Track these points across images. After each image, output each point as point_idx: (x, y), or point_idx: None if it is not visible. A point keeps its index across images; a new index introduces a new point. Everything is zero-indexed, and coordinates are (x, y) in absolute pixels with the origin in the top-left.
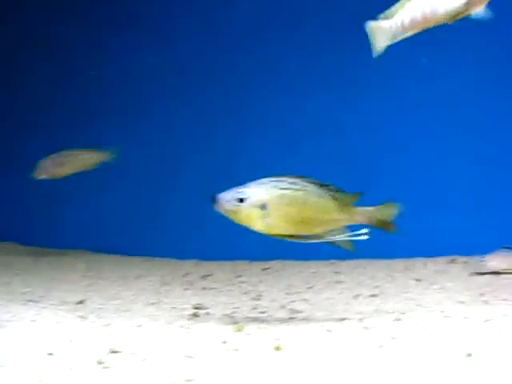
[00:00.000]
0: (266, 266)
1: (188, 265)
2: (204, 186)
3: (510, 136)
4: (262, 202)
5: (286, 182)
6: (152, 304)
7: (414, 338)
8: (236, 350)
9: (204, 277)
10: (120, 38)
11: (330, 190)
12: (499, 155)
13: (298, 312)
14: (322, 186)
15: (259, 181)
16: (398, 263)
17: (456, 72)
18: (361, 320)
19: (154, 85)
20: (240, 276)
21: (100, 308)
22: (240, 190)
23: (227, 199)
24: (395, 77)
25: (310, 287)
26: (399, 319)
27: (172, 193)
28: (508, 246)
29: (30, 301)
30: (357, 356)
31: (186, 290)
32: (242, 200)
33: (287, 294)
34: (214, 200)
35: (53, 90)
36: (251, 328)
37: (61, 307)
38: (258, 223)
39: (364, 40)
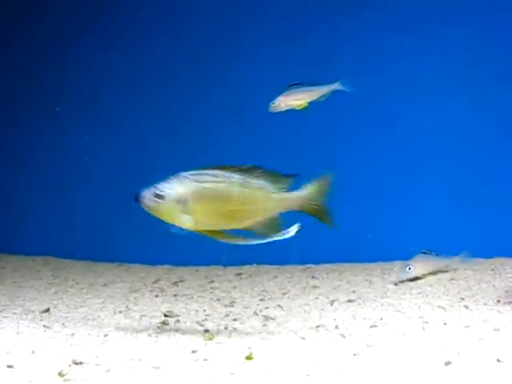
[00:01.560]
0: (240, 272)
1: (159, 271)
2: None
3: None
4: (181, 198)
5: (207, 175)
6: (120, 312)
7: (390, 346)
8: (206, 359)
9: (175, 283)
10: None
11: (257, 178)
12: (481, 156)
13: (272, 319)
14: (249, 173)
15: (180, 175)
16: (376, 267)
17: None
18: (336, 327)
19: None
20: (213, 282)
21: (66, 317)
22: (159, 186)
23: (147, 196)
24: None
25: (285, 293)
26: (376, 325)
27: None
28: (426, 250)
29: None
30: (330, 365)
31: (156, 296)
32: (161, 196)
33: (261, 300)
34: (136, 198)
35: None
36: (222, 336)
37: (24, 316)
38: (181, 219)
39: None
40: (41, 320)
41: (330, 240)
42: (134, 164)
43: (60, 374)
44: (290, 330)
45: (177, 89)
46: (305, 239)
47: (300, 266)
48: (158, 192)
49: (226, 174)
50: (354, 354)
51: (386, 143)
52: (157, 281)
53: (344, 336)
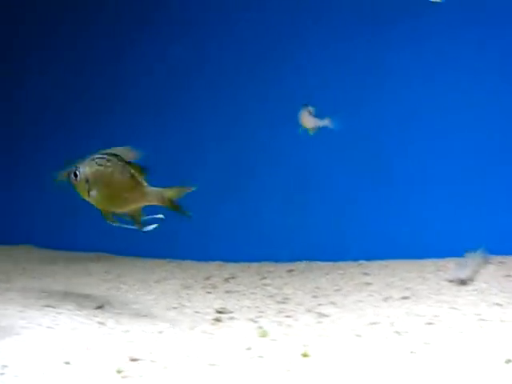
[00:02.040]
0: (292, 268)
1: (210, 267)
2: (228, 186)
3: None
4: (85, 177)
5: (104, 158)
6: (173, 308)
7: (448, 343)
8: (261, 356)
9: (227, 279)
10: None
11: (133, 168)
12: None
13: (326, 316)
14: (128, 164)
15: (91, 156)
16: (429, 264)
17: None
18: (392, 324)
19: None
20: (264, 278)
21: (119, 313)
22: (77, 166)
23: (70, 175)
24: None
25: (338, 289)
26: (432, 323)
27: (193, 193)
28: (480, 247)
29: (47, 306)
30: (388, 362)
31: (208, 293)
32: (76, 175)
33: (314, 296)
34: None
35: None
36: (277, 333)
37: (78, 313)
38: (87, 196)
39: None
40: (95, 316)
41: (382, 236)
42: (181, 161)
43: (118, 371)
44: (345, 327)
45: (234, 89)
46: (357, 236)
47: (352, 263)
48: (74, 171)
49: (116, 159)
50: (412, 352)
51: (439, 141)
52: (208, 277)
53: (399, 333)
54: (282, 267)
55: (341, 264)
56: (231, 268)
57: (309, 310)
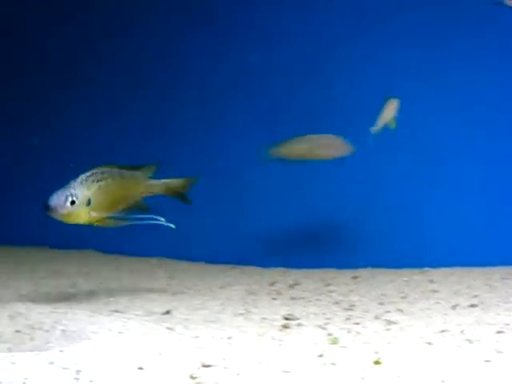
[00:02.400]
0: (356, 275)
1: (274, 273)
2: (292, 193)
3: None
4: (87, 199)
5: (98, 173)
6: (240, 314)
7: None
8: (333, 364)
9: (292, 286)
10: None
11: (129, 169)
12: None
13: (394, 323)
14: (121, 167)
15: (78, 179)
16: (494, 271)
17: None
18: (462, 332)
19: None
20: (329, 285)
21: (187, 319)
22: (68, 193)
23: (61, 205)
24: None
25: (404, 297)
26: (503, 331)
27: (259, 200)
28: None
29: (115, 311)
30: (463, 371)
31: (274, 299)
32: (73, 202)
33: (380, 303)
34: (46, 208)
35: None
36: (346, 340)
37: (147, 318)
38: (86, 218)
39: None
40: (163, 322)
41: (446, 243)
42: (250, 165)
43: (191, 377)
44: (414, 334)
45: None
46: (421, 243)
47: (416, 270)
48: (71, 198)
49: (109, 170)
50: (486, 361)
51: (502, 143)
52: (273, 283)
53: (471, 341)
54: (346, 274)
55: (404, 271)
56: (294, 274)
57: (376, 317)
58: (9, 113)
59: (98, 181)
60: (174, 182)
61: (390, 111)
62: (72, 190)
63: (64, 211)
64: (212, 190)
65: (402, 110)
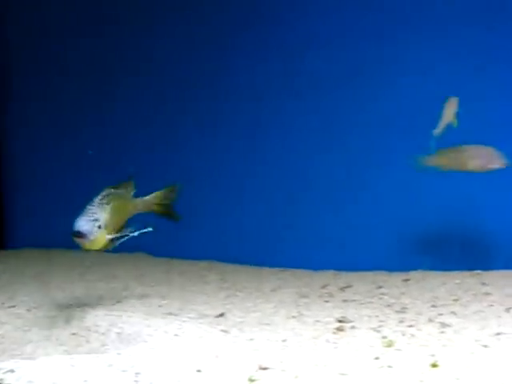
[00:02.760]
0: (407, 277)
1: (324, 276)
2: (341, 196)
3: None
4: (104, 222)
5: (106, 195)
6: (293, 317)
7: None
8: (390, 366)
9: (343, 288)
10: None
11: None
12: None
13: (448, 326)
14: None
15: (94, 202)
16: None
17: None
18: None
19: None
20: (381, 287)
21: (241, 321)
22: (93, 217)
23: (91, 230)
24: None
25: (456, 299)
26: None
27: (305, 200)
28: None
29: (169, 314)
30: None
31: (326, 302)
32: (100, 227)
33: (433, 306)
34: (79, 235)
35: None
36: (401, 343)
37: (201, 320)
38: (104, 241)
39: None
40: (217, 324)
41: (498, 247)
42: (295, 170)
43: (250, 380)
44: (469, 337)
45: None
46: (472, 245)
47: (467, 272)
48: (98, 223)
49: (111, 191)
50: None
51: None
52: (324, 286)
53: None
54: (397, 276)
55: (456, 274)
56: (345, 277)
57: (430, 320)
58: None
59: (108, 203)
60: (158, 196)
61: (450, 110)
62: (96, 215)
63: (93, 237)
64: (263, 193)
65: None
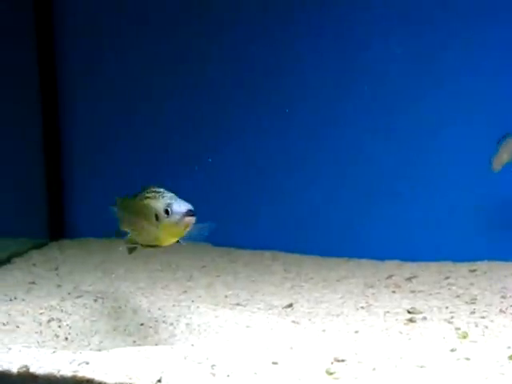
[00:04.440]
0: (474, 268)
1: (389, 266)
2: (401, 186)
3: None
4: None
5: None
6: (362, 308)
7: None
8: (467, 358)
9: (409, 279)
10: None
11: None
12: None
13: None
14: None
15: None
16: None
17: None
18: None
19: None
20: (448, 278)
21: (310, 312)
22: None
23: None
24: None
25: None
26: None
27: (369, 190)
28: None
29: (237, 305)
30: None
31: (393, 292)
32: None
33: (502, 297)
34: (192, 214)
35: None
36: (475, 335)
37: (270, 311)
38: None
39: None
40: (287, 315)
41: None
42: (360, 161)
43: (328, 372)
44: None
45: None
46: None
47: None
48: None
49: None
50: None
51: None
52: (390, 276)
53: None
54: (463, 267)
55: None
56: (410, 267)
57: (502, 311)
58: None
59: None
60: None
61: (507, 150)
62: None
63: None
64: (327, 183)
65: None
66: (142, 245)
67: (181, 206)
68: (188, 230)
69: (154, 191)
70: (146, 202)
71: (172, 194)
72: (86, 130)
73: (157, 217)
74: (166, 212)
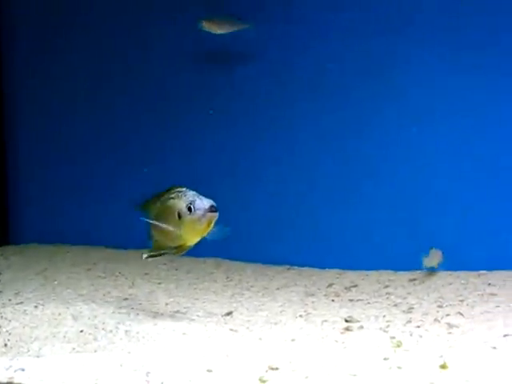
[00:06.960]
0: (413, 277)
1: (330, 274)
2: (347, 194)
3: None
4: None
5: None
6: (300, 316)
7: None
8: (399, 367)
9: (349, 288)
10: None
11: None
12: None
13: (456, 326)
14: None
15: (190, 192)
16: None
17: None
18: None
19: None
20: (387, 287)
21: (248, 320)
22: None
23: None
24: None
25: (462, 300)
26: None
27: (310, 198)
28: None
29: (177, 312)
30: None
31: (332, 301)
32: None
33: (439, 306)
34: (215, 210)
35: None
36: (409, 343)
37: (209, 319)
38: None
39: None
40: (225, 323)
41: (503, 246)
42: (300, 169)
43: (261, 380)
44: (477, 338)
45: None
46: (477, 245)
47: (473, 272)
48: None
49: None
50: None
51: None
52: (330, 285)
53: None
54: (403, 276)
55: (461, 273)
56: (350, 276)
57: (437, 320)
58: None
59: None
60: None
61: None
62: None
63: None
64: (268, 192)
65: None
66: (166, 251)
67: (203, 202)
68: (211, 227)
69: (176, 191)
70: (170, 202)
71: (194, 192)
72: (31, 134)
73: (179, 216)
74: (189, 209)
